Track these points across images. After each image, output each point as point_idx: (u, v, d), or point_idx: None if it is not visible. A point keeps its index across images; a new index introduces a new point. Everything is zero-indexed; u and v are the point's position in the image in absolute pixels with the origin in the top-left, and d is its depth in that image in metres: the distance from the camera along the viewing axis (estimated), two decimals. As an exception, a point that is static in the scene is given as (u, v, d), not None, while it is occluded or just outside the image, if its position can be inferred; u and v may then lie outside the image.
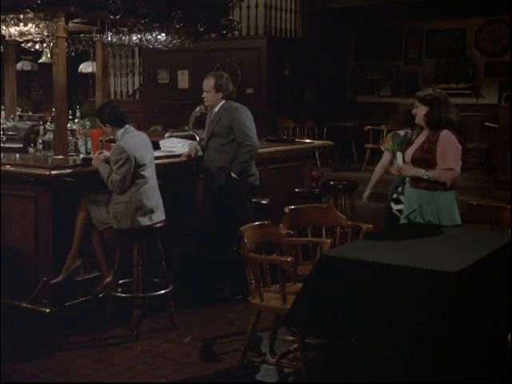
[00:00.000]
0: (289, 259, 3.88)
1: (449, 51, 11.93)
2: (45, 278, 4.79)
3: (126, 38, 6.21)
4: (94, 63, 9.67)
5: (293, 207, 4.70)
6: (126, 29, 6.20)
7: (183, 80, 11.32)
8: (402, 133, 5.63)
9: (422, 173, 4.54)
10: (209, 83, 5.46)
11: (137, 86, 12.45)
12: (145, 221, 4.71)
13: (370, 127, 10.30)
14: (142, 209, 4.70)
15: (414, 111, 4.67)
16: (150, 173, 4.78)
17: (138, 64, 12.30)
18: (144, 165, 4.71)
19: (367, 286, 3.39)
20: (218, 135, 5.46)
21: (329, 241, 4.27)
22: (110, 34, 6.01)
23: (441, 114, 4.55)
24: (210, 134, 5.51)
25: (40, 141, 5.89)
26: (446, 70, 11.87)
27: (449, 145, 4.52)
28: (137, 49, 11.42)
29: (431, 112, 4.56)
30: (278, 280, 4.00)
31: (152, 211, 4.74)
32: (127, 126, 4.77)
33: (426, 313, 3.24)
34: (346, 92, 12.76)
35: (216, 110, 5.50)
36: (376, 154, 10.00)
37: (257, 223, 4.24)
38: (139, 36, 6.29)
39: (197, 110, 7.12)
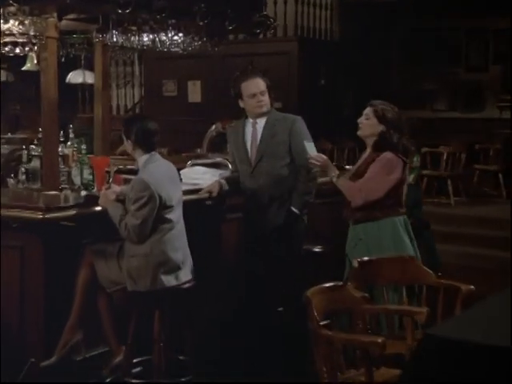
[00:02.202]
0: (379, 340, 3.40)
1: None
2: (32, 359, 4.41)
3: (135, 39, 6.03)
4: (86, 72, 9.58)
5: (365, 259, 4.36)
6: (135, 27, 6.00)
7: (194, 92, 11.33)
8: None
9: (331, 174, 4.71)
10: (261, 83, 5.13)
11: (137, 99, 12.51)
12: (169, 280, 4.33)
13: (427, 149, 9.88)
14: (167, 264, 4.33)
15: (360, 120, 4.70)
16: (177, 215, 4.43)
17: (137, 73, 12.46)
18: (171, 206, 4.35)
19: (491, 378, 2.97)
20: (275, 155, 5.09)
21: (425, 310, 3.87)
22: (115, 33, 5.83)
23: (393, 137, 4.56)
24: (262, 154, 5.10)
25: (23, 170, 5.74)
26: (516, 79, 11.64)
27: (379, 164, 4.54)
28: (136, 55, 11.52)
29: (385, 132, 4.57)
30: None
31: (179, 267, 4.38)
32: (154, 152, 4.45)
33: None
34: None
35: (263, 121, 5.13)
36: (442, 186, 9.64)
37: (326, 285, 3.81)
38: (151, 36, 6.13)
39: (212, 128, 6.83)
